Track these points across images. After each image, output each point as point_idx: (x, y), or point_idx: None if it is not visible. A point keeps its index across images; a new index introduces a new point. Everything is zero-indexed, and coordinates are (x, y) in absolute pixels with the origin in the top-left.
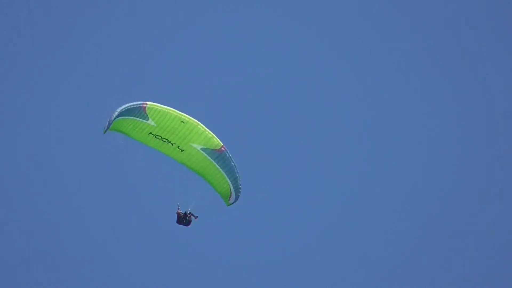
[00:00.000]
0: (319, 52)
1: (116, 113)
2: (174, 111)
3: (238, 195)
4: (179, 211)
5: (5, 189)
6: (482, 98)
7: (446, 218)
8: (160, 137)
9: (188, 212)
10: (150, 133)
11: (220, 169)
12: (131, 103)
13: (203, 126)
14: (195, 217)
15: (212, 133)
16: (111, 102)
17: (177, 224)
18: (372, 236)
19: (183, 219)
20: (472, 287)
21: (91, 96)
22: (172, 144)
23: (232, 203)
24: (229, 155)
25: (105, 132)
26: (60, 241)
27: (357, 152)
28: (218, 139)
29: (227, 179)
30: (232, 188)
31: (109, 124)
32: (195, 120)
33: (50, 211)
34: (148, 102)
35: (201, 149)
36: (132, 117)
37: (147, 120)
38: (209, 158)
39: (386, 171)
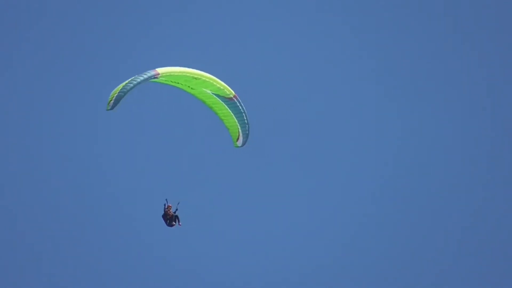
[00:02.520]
0: (316, 52)
1: (127, 89)
2: (187, 71)
3: (245, 140)
4: (170, 209)
5: (12, 188)
6: (480, 100)
7: (442, 215)
8: (168, 82)
9: (175, 214)
10: (157, 82)
11: (231, 112)
12: (141, 77)
13: (216, 80)
14: (179, 224)
15: (224, 84)
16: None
17: (161, 217)
18: (367, 231)
19: (168, 218)
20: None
21: (91, 95)
22: (181, 84)
23: (240, 146)
24: (240, 103)
25: (109, 108)
26: (65, 239)
27: (352, 150)
28: (230, 89)
29: (237, 123)
30: (240, 131)
31: (117, 101)
32: (208, 75)
33: (56, 209)
34: (158, 72)
35: (213, 93)
36: (138, 84)
37: (157, 79)
38: (220, 101)
39: (380, 169)
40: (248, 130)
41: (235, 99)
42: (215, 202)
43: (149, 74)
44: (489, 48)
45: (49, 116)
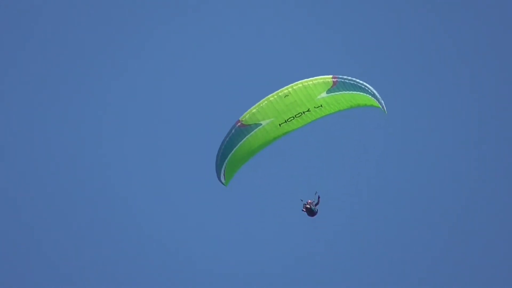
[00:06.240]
0: (314, 51)
1: (218, 160)
2: (270, 97)
3: (380, 100)
4: (308, 204)
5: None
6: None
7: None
8: (292, 117)
9: (314, 202)
10: (279, 125)
11: (350, 93)
12: (224, 138)
13: (305, 80)
14: (318, 200)
15: (316, 79)
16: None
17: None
18: (364, 230)
19: (312, 211)
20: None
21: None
22: (308, 111)
23: (386, 112)
24: (343, 79)
25: (227, 184)
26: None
27: (350, 149)
28: (324, 77)
29: (362, 94)
30: (372, 97)
31: (220, 176)
32: (294, 84)
33: (58, 209)
34: (239, 119)
35: (326, 93)
36: (238, 144)
37: (259, 126)
38: (335, 95)
39: (377, 168)
40: (374, 90)
41: (337, 79)
42: (215, 201)
43: (232, 128)
44: (489, 47)
45: (51, 116)
